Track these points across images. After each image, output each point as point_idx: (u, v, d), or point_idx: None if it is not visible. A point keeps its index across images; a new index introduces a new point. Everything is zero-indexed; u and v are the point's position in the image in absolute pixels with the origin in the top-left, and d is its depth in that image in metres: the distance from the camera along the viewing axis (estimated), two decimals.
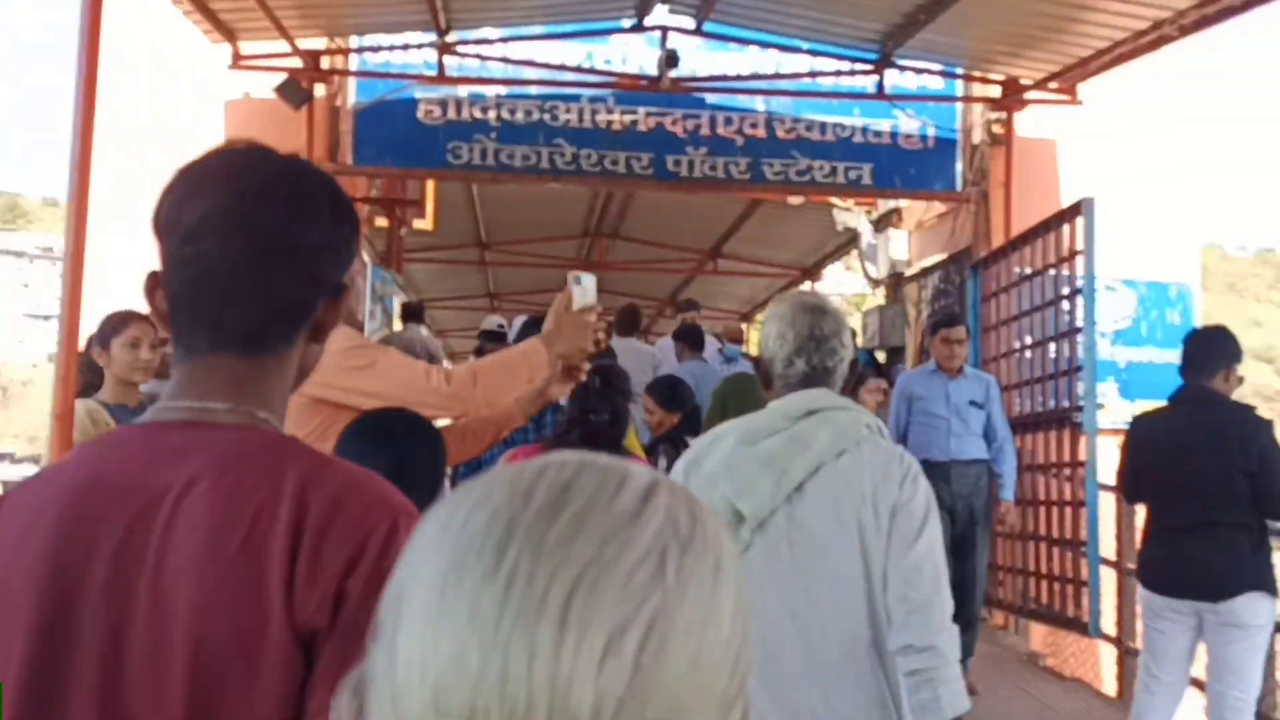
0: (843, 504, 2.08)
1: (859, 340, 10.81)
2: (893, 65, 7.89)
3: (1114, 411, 8.07)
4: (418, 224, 11.06)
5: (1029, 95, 7.95)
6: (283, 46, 7.38)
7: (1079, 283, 6.46)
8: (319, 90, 7.99)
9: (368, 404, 2.29)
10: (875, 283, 10.87)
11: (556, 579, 0.52)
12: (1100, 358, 8.43)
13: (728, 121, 8.45)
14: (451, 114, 8.34)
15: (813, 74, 8.24)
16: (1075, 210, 6.52)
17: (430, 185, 10.70)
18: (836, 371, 2.22)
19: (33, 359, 65.10)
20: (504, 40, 8.13)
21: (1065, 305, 6.70)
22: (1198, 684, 4.49)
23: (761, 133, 8.43)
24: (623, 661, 0.51)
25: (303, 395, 1.78)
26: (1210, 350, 4.21)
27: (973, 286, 8.16)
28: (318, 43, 7.88)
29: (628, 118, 8.48)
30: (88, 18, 3.91)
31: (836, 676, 2.05)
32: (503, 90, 8.38)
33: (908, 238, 10.13)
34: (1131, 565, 5.78)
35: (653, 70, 7.93)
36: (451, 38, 7.86)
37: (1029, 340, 7.24)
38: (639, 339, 8.98)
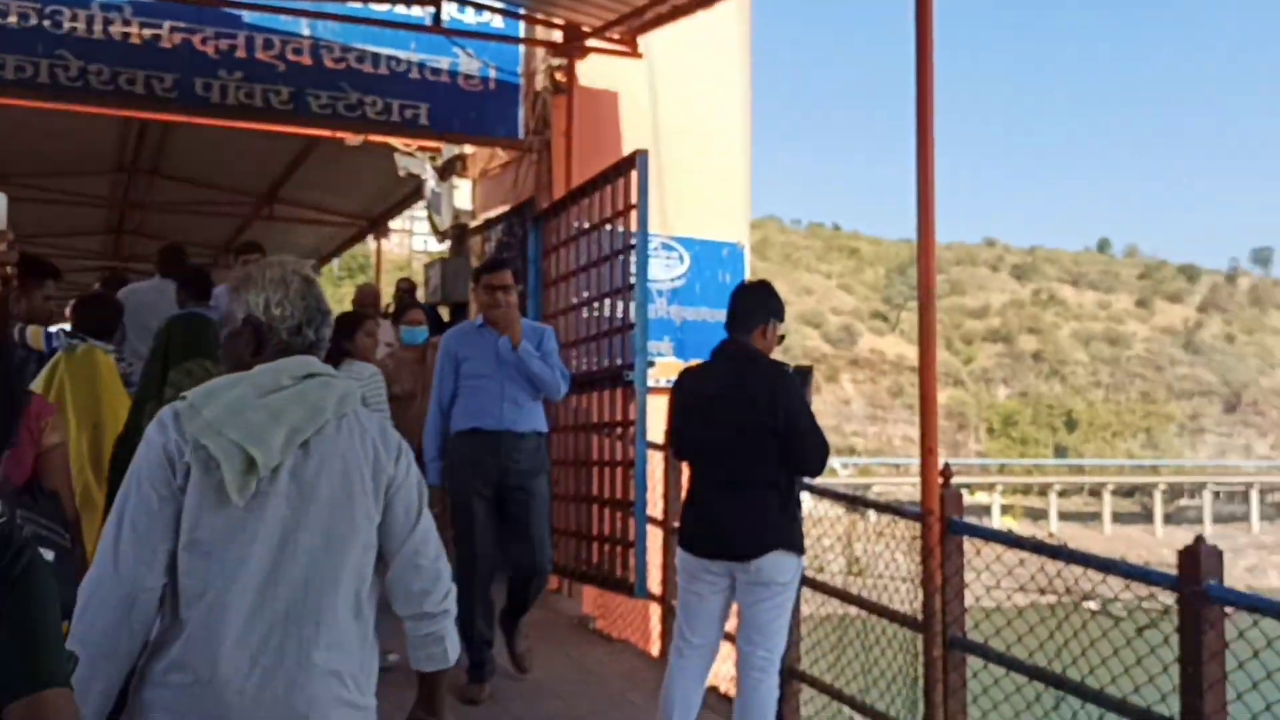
0: (348, 464, 2.15)
1: (420, 295, 10.27)
2: None
3: (669, 370, 8.11)
4: None
5: (590, 43, 7.73)
6: None
7: (633, 239, 6.31)
8: None
9: None
10: (440, 234, 10.37)
11: None
12: (656, 316, 8.49)
13: (267, 44, 7.55)
14: None
15: None
16: (630, 164, 6.36)
17: None
18: (326, 341, 2.31)
19: None
20: None
21: (620, 261, 6.55)
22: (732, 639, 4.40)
23: (306, 60, 7.61)
24: None
25: None
26: (750, 305, 4.08)
27: (534, 240, 7.90)
28: None
29: (148, 31, 7.35)
30: None
31: (322, 627, 2.08)
32: None
33: (472, 187, 9.70)
34: (678, 525, 5.70)
35: None
36: None
37: (586, 296, 7.06)
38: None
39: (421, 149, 9.67)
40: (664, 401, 5.00)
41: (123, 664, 1.99)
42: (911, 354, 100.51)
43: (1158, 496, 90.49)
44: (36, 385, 4.33)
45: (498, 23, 7.97)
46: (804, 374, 4.02)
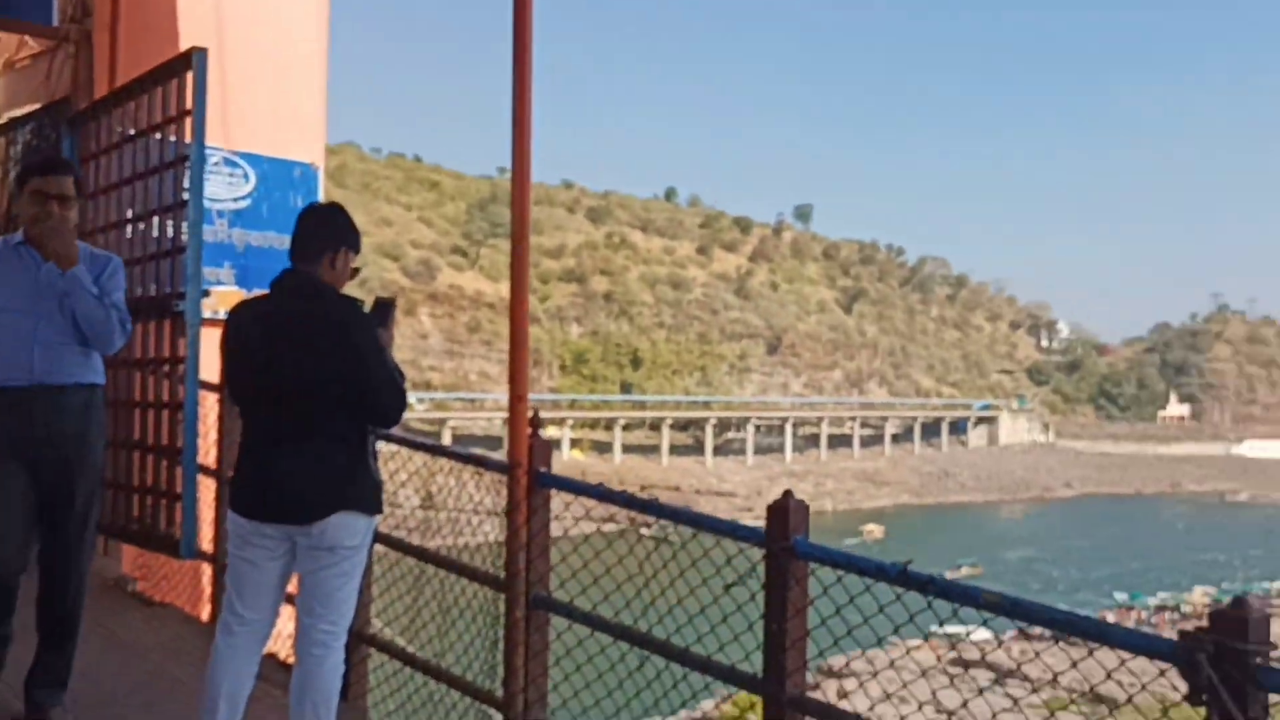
0: None
1: None
2: None
3: (229, 300, 7.28)
4: None
5: None
6: None
7: (188, 150, 5.51)
8: None
9: None
10: None
11: None
12: (215, 239, 7.61)
13: None
14: None
15: None
16: (185, 63, 5.53)
17: None
18: None
19: None
20: None
21: (171, 175, 5.71)
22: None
23: None
24: None
25: None
26: (317, 230, 3.54)
27: (69, 145, 6.77)
28: None
29: None
30: None
31: None
32: None
33: None
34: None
35: None
36: None
37: (130, 214, 6.12)
38: None
39: None
40: (220, 335, 4.35)
41: None
42: (490, 290, 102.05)
43: (709, 430, 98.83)
44: None
45: None
46: (385, 308, 3.57)
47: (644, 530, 3.90)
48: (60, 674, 4.01)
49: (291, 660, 3.76)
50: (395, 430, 3.92)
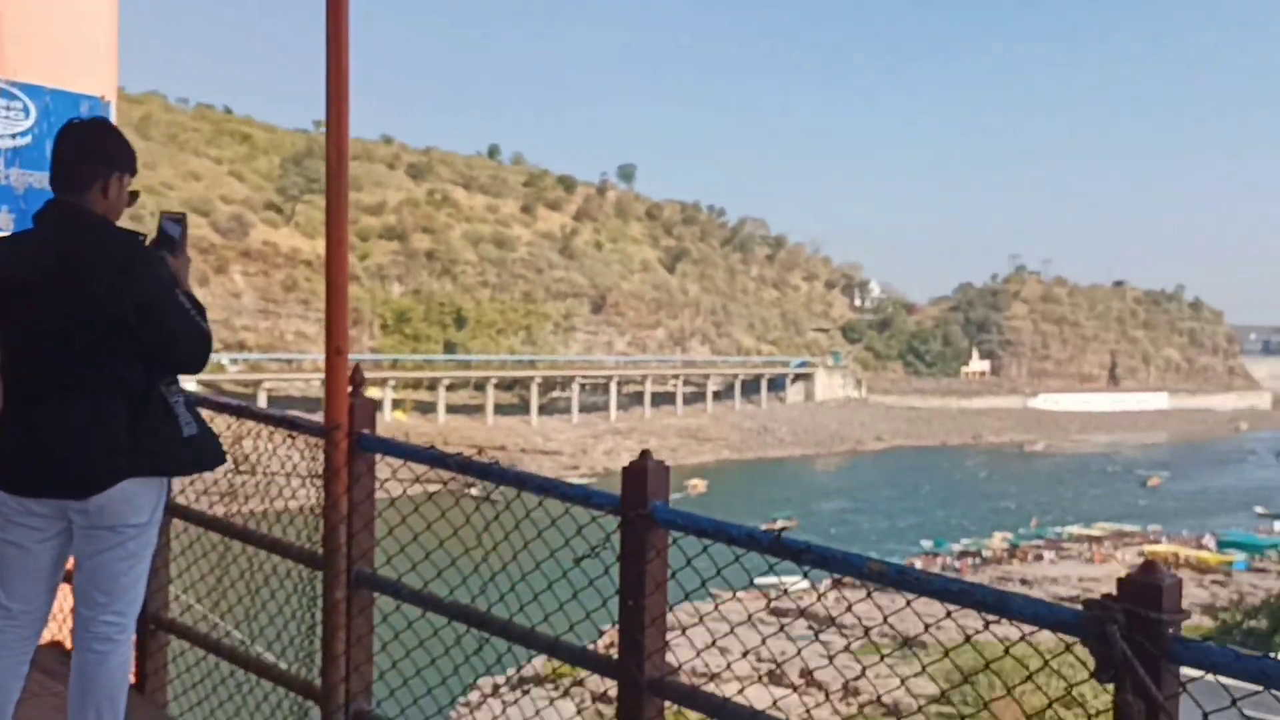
0: None
1: None
2: None
3: None
4: None
5: None
6: None
7: None
8: None
9: None
10: None
11: None
12: None
13: None
14: None
15: None
16: None
17: None
18: None
19: None
20: None
21: None
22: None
23: None
24: None
25: None
26: (84, 153, 3.00)
27: None
28: None
29: None
30: None
31: None
32: None
33: None
34: None
35: None
36: None
37: None
38: None
39: None
40: None
41: None
42: (306, 247, 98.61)
43: (534, 390, 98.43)
44: None
45: None
46: (172, 229, 3.05)
47: (471, 490, 3.53)
48: None
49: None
50: (196, 388, 3.42)
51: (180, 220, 3.10)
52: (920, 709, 2.58)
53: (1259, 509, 78.35)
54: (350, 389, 3.38)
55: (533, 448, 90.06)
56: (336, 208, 3.32)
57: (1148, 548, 59.42)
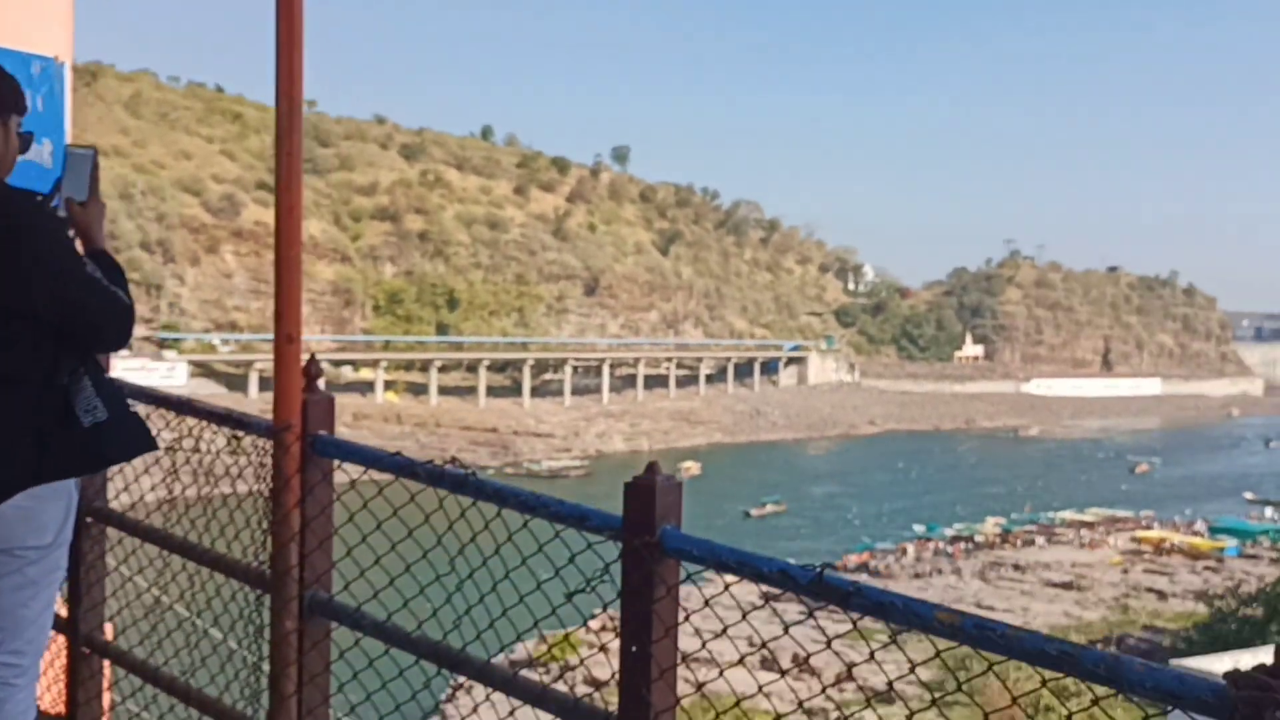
0: None
1: None
2: None
3: None
4: None
5: None
6: None
7: None
8: None
9: None
10: None
11: None
12: None
13: None
14: None
15: None
16: None
17: None
18: None
19: None
20: None
21: None
22: None
23: None
24: None
25: None
26: None
27: None
28: None
29: None
30: None
31: None
32: None
33: None
34: None
35: None
36: None
37: None
38: None
39: None
40: None
41: None
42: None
43: (526, 372, 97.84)
44: None
45: None
46: (79, 167, 2.57)
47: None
48: None
49: None
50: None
51: (88, 156, 2.59)
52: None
53: (1249, 495, 78.28)
54: (304, 382, 2.87)
55: (525, 430, 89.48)
56: (288, 169, 2.81)
57: (1140, 533, 59.31)
